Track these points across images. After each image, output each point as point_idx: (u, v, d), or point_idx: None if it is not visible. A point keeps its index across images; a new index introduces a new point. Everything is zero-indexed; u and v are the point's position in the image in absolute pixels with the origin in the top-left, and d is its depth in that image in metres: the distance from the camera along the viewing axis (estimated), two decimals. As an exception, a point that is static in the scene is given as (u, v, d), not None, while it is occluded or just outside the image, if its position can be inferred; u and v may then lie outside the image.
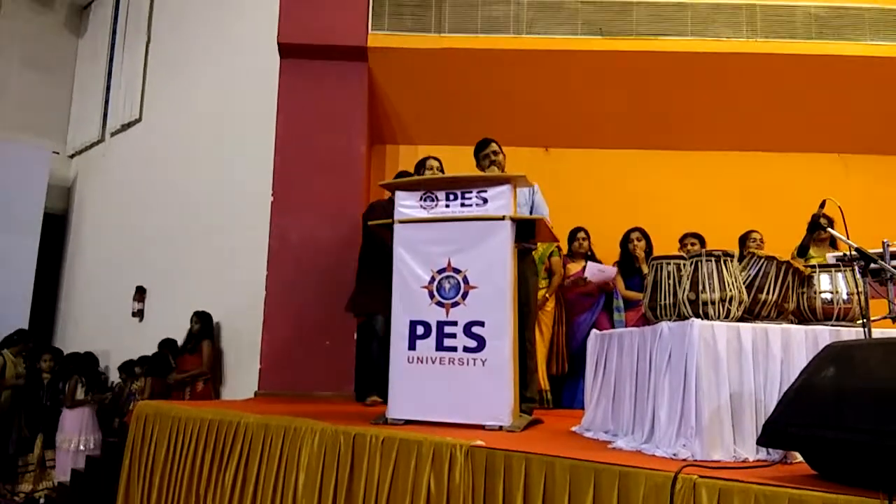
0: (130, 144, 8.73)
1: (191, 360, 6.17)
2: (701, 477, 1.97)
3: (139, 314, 7.66)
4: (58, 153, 9.81)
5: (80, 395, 6.47)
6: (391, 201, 4.87)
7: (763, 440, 2.06)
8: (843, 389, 1.87)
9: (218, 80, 7.33)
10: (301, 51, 5.76)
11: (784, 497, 1.80)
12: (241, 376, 5.87)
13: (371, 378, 4.64)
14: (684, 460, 2.25)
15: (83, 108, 9.97)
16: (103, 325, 8.09)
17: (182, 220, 7.37)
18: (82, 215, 9.55)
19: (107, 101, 9.46)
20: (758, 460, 2.31)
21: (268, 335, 5.40)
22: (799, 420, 1.93)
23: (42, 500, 6.09)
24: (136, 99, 8.67)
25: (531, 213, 3.96)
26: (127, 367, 6.74)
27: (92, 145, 9.59)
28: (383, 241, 4.68)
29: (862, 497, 1.69)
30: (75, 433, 6.30)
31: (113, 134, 9.12)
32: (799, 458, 2.14)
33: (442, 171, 4.55)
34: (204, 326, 6.23)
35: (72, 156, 10.03)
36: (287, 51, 5.79)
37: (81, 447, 6.15)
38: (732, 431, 2.37)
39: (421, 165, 4.66)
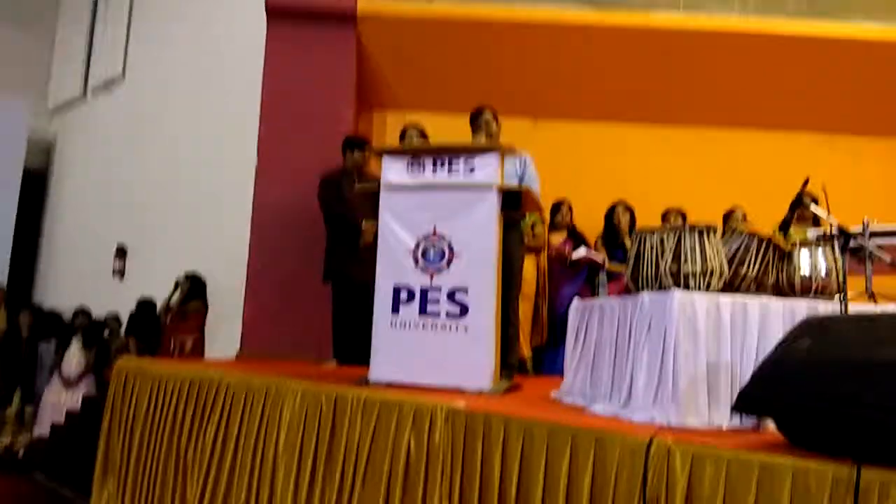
0: (112, 102, 8.60)
1: (181, 326, 6.13)
2: (675, 442, 2.02)
3: (120, 273, 7.62)
4: (38, 110, 9.62)
5: (77, 356, 6.44)
6: (343, 173, 4.89)
7: (737, 407, 2.11)
8: (818, 360, 1.92)
9: (203, 40, 7.21)
10: (289, 14, 5.69)
11: (756, 462, 1.86)
12: (223, 337, 5.88)
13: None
14: (660, 425, 2.30)
15: (64, 65, 9.77)
16: (83, 284, 8.03)
17: (164, 179, 7.30)
18: (62, 173, 9.42)
19: (89, 58, 9.27)
20: (731, 427, 2.37)
21: (250, 297, 5.41)
22: (773, 388, 1.97)
23: (21, 454, 6.09)
24: (118, 56, 8.50)
25: (520, 184, 3.97)
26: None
27: (73, 102, 9.42)
28: (333, 210, 4.75)
29: (832, 463, 1.75)
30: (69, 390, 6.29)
31: (95, 91, 8.95)
32: (771, 426, 2.20)
33: (425, 137, 4.55)
34: (194, 286, 6.19)
35: (52, 112, 9.84)
36: (274, 14, 5.71)
37: (75, 400, 6.13)
38: (708, 399, 2.42)
39: (403, 134, 4.67)
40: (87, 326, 6.70)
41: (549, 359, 5.18)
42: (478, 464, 2.44)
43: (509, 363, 3.81)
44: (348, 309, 4.65)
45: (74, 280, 8.35)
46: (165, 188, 7.25)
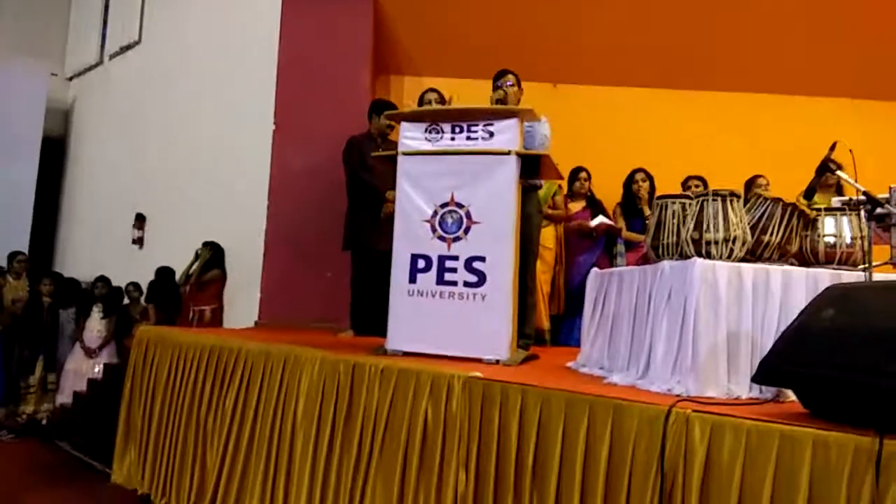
0: (130, 68, 8.56)
1: (199, 296, 6.17)
2: (694, 411, 2.00)
3: (139, 241, 7.67)
4: (56, 75, 9.63)
5: (98, 325, 6.54)
6: (366, 135, 4.85)
7: (758, 378, 2.09)
8: (841, 330, 1.88)
9: (220, 4, 7.14)
10: (305, -26, 5.63)
11: (776, 433, 1.84)
12: (242, 305, 5.91)
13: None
14: (678, 396, 2.28)
15: (81, 30, 9.74)
16: (103, 252, 8.10)
17: (183, 145, 7.29)
18: (81, 140, 9.44)
19: (105, 23, 9.23)
20: (751, 398, 2.35)
21: (269, 266, 5.43)
22: (795, 359, 1.95)
23: (44, 421, 6.21)
24: (134, 20, 8.45)
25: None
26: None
27: (90, 68, 9.41)
28: (356, 175, 4.70)
29: (853, 434, 1.72)
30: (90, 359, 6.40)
31: (112, 56, 8.93)
32: (792, 397, 2.17)
33: (444, 103, 4.49)
34: (214, 255, 6.21)
35: (70, 78, 9.85)
36: (291, -27, 5.66)
37: (97, 369, 6.24)
38: (727, 369, 2.40)
39: (421, 100, 4.60)
40: (106, 294, 6.77)
41: (565, 329, 5.16)
42: (495, 433, 2.45)
43: (526, 333, 3.80)
44: (368, 279, 4.62)
45: (94, 248, 8.42)
46: (184, 155, 7.24)
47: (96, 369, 6.21)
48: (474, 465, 2.49)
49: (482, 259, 3.24)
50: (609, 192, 5.52)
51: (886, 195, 2.77)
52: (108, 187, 8.44)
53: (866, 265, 2.50)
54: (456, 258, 3.29)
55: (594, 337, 3.23)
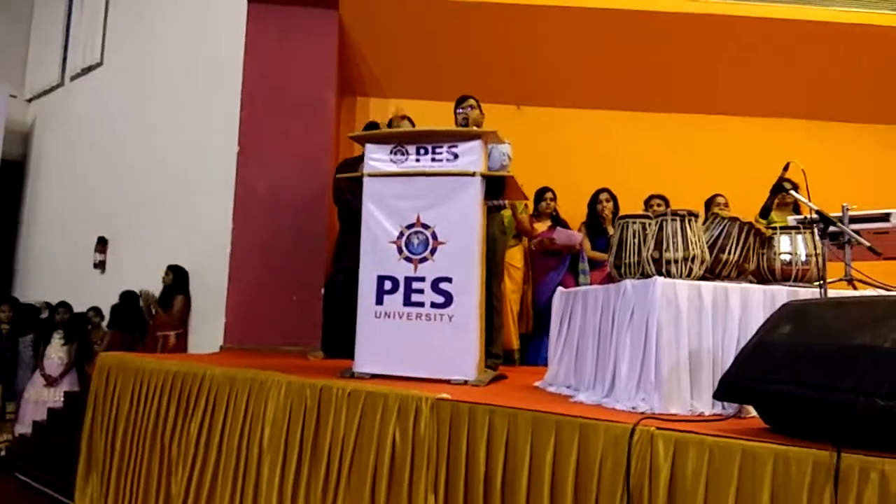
0: (91, 90, 8.46)
1: (164, 317, 6.08)
2: (658, 429, 2.03)
3: (101, 265, 7.52)
4: (15, 97, 9.46)
5: (59, 352, 6.40)
6: (358, 158, 4.84)
7: (719, 394, 2.13)
8: (798, 346, 1.93)
9: (183, 25, 7.10)
10: (270, -2, 5.63)
11: (738, 448, 1.88)
12: (207, 329, 5.82)
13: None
14: (643, 413, 2.31)
15: (42, 51, 9.60)
16: (64, 276, 7.93)
17: (146, 168, 7.20)
18: (40, 162, 9.27)
19: (66, 44, 9.12)
20: (713, 414, 2.39)
21: (234, 289, 5.36)
22: (754, 375, 1.99)
23: (2, 452, 6.03)
24: (97, 42, 8.35)
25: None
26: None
27: (51, 89, 9.27)
28: (341, 197, 4.66)
29: (811, 449, 1.77)
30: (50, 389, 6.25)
31: (73, 78, 8.81)
32: (753, 412, 2.22)
33: (412, 126, 4.51)
34: (177, 280, 6.13)
35: (30, 100, 9.69)
36: (255, -2, 5.65)
37: (57, 397, 6.08)
38: (690, 386, 2.45)
39: (390, 123, 4.62)
40: (68, 321, 6.62)
41: (534, 347, 5.19)
42: (463, 453, 2.45)
43: (494, 353, 3.81)
44: (343, 301, 4.55)
45: (55, 273, 8.25)
46: (146, 177, 7.15)
47: (57, 398, 6.06)
48: (443, 488, 2.48)
49: (448, 280, 3.26)
50: (574, 211, 5.59)
51: (839, 214, 2.87)
52: (69, 210, 8.29)
53: (821, 282, 2.57)
54: (422, 279, 3.30)
55: (561, 356, 3.26)
